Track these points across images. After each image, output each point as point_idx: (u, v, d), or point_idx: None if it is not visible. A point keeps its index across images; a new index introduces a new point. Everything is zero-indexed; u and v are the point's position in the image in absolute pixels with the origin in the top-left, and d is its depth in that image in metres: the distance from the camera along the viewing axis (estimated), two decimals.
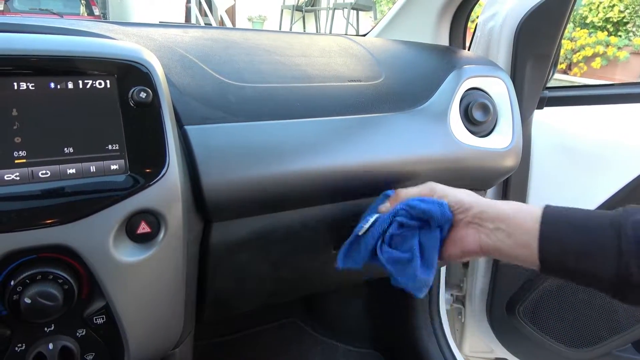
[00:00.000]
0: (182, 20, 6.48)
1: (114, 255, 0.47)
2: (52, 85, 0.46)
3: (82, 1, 9.26)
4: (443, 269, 1.16)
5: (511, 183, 1.01)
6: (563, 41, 3.26)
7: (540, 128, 1.04)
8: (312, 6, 8.46)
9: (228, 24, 5.99)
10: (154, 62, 0.52)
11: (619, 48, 3.27)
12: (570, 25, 3.69)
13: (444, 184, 0.78)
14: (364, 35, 1.15)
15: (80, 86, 0.47)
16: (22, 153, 0.44)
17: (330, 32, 7.30)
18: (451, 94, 0.78)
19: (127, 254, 0.48)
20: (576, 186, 1.03)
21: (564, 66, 3.67)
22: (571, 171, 1.02)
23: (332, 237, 0.74)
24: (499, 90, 0.83)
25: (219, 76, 0.68)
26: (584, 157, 1.02)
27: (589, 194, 1.01)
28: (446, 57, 0.88)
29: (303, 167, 0.64)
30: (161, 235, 0.50)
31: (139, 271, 0.49)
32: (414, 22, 1.02)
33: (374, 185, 0.71)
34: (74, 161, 0.46)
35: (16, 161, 0.44)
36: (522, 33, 0.91)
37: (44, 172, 0.45)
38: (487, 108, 0.78)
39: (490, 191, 1.01)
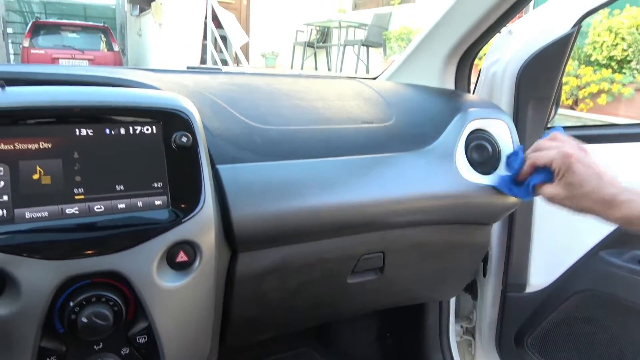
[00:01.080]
0: (198, 56, 6.71)
1: (157, 281, 0.53)
2: (108, 131, 0.54)
3: (102, 38, 9.63)
4: (452, 301, 1.20)
5: (516, 218, 1.06)
6: (569, 78, 3.34)
7: None
8: (323, 43, 8.72)
9: (242, 59, 6.20)
10: (192, 110, 0.59)
11: (624, 85, 3.34)
12: (575, 63, 3.78)
13: (452, 219, 0.84)
14: (375, 77, 1.23)
15: (131, 132, 0.55)
16: (81, 190, 0.51)
17: (341, 68, 7.50)
18: (457, 135, 0.84)
19: (167, 280, 0.54)
20: (579, 220, 1.07)
21: (570, 102, 3.74)
22: None
23: (346, 267, 0.79)
24: (502, 131, 0.89)
25: (246, 119, 0.75)
26: None
27: (592, 227, 1.06)
28: (452, 101, 0.95)
29: (321, 203, 0.70)
30: (197, 263, 0.56)
31: (177, 295, 0.55)
32: (423, 67, 1.10)
33: (385, 219, 0.77)
34: (124, 197, 0.53)
35: (76, 197, 0.51)
36: (523, 78, 0.98)
37: (98, 206, 0.51)
38: (485, 148, 0.84)
39: (495, 225, 1.06)
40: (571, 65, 3.74)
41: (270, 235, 0.67)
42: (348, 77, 1.08)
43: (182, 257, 0.55)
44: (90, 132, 0.53)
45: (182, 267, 0.55)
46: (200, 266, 0.56)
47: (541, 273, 1.08)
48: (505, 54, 1.01)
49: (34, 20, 9.74)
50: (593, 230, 1.07)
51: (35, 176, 0.50)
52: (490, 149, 0.86)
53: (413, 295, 0.96)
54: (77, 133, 0.52)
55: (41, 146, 0.50)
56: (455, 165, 0.82)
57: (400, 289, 0.90)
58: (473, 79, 1.13)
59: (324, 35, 8.87)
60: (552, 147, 0.72)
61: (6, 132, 0.49)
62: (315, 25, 8.71)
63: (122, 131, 0.54)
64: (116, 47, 9.53)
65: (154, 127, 0.56)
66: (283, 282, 0.74)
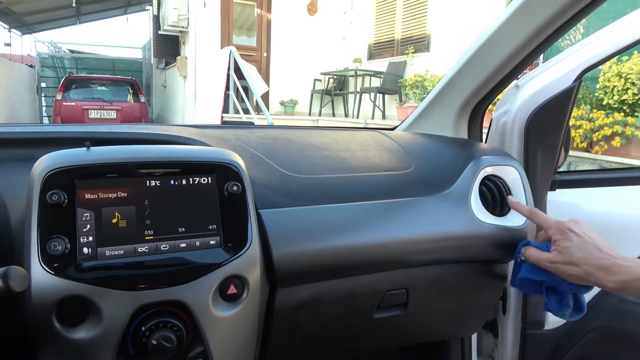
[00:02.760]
0: (221, 105, 7.00)
1: (212, 310, 0.61)
2: (172, 182, 0.64)
3: (130, 90, 10.10)
4: (475, 339, 1.24)
5: None
6: (582, 122, 3.40)
7: (557, 207, 1.16)
8: (340, 90, 9.00)
9: (263, 107, 6.43)
10: (240, 162, 0.69)
11: (637, 127, 3.40)
12: (587, 107, 3.87)
13: (468, 257, 0.91)
14: (394, 128, 1.33)
15: (191, 182, 0.64)
16: (151, 232, 0.61)
17: (358, 114, 7.70)
18: (471, 180, 0.93)
19: (220, 309, 0.62)
20: None
21: (585, 145, 3.80)
22: None
23: (373, 302, 0.86)
24: (513, 176, 0.97)
25: (282, 169, 0.85)
26: (598, 233, 1.13)
27: None
28: (466, 149, 1.04)
29: (350, 242, 0.78)
30: (244, 295, 0.64)
31: (228, 324, 0.63)
32: (438, 118, 1.20)
33: (408, 258, 0.84)
34: (185, 237, 0.62)
35: (146, 238, 0.60)
36: (531, 127, 1.07)
37: (164, 246, 0.61)
38: (497, 192, 0.93)
39: (512, 263, 1.11)
40: (584, 110, 3.82)
41: (305, 272, 0.75)
42: (369, 129, 1.18)
43: (232, 289, 0.63)
44: (158, 183, 0.63)
45: (232, 299, 0.63)
46: (247, 298, 0.64)
47: None
48: (514, 106, 1.10)
49: (66, 75, 10.30)
50: None
51: (114, 220, 0.59)
52: (502, 192, 0.93)
53: (435, 331, 1.01)
54: (148, 184, 0.62)
55: (119, 195, 0.60)
56: (470, 207, 0.89)
57: (423, 324, 0.96)
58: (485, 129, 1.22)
59: (341, 83, 9.17)
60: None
61: (92, 184, 0.59)
62: (332, 74, 9.03)
63: (184, 182, 0.64)
64: (142, 99, 9.99)
65: (209, 178, 0.66)
66: (316, 316, 0.81)
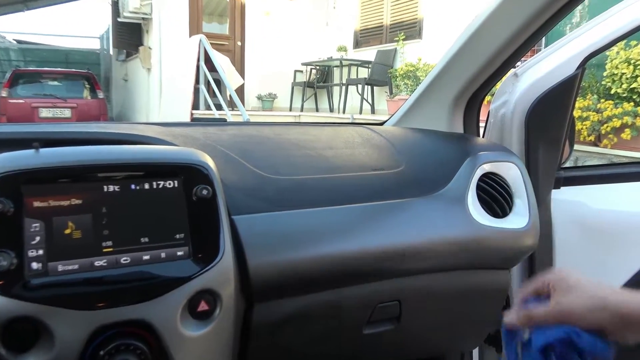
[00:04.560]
0: (190, 101, 6.96)
1: (180, 330, 0.61)
2: (133, 186, 0.63)
3: (86, 85, 9.98)
4: (476, 354, 1.25)
5: (536, 261, 1.13)
6: (589, 113, 3.46)
7: (562, 207, 1.18)
8: (324, 83, 9.02)
9: (237, 102, 6.41)
10: (210, 163, 0.69)
11: None
12: (594, 97, 3.94)
13: (467, 264, 0.91)
14: (382, 123, 1.34)
15: (154, 186, 0.64)
16: (109, 243, 0.60)
17: (345, 109, 7.73)
18: (468, 179, 0.94)
19: (189, 328, 0.62)
20: (604, 261, 1.15)
21: (593, 138, 3.86)
22: (595, 249, 1.14)
23: (362, 317, 0.86)
24: (513, 174, 0.99)
25: (258, 170, 0.85)
26: (608, 234, 1.15)
27: (619, 268, 1.12)
28: (461, 144, 1.05)
29: (335, 250, 0.78)
30: (217, 312, 0.64)
31: (199, 344, 0.62)
32: (430, 111, 1.21)
33: (399, 266, 0.85)
34: (149, 249, 0.62)
35: (104, 250, 0.60)
36: (532, 119, 1.09)
37: (125, 258, 0.60)
38: (497, 192, 0.94)
39: (515, 269, 1.13)
40: (590, 100, 3.89)
41: (285, 284, 0.75)
42: (355, 124, 1.19)
43: (203, 306, 0.63)
44: (117, 188, 0.62)
45: (203, 317, 0.63)
46: (220, 315, 0.64)
47: None
48: (513, 96, 1.12)
49: (13, 69, 10.13)
50: (620, 271, 1.13)
51: (67, 231, 0.59)
52: (501, 191, 0.95)
53: (432, 346, 1.02)
54: (105, 189, 0.62)
55: (72, 202, 0.60)
56: (467, 209, 0.90)
57: (418, 339, 0.97)
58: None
59: (325, 74, 9.19)
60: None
61: (42, 190, 0.59)
62: (314, 64, 9.04)
63: (147, 186, 0.64)
64: (101, 95, 9.86)
65: (175, 182, 0.65)
66: (298, 334, 0.81)
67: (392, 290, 0.87)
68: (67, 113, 9.30)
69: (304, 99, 8.96)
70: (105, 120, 9.40)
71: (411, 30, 7.87)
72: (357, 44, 9.17)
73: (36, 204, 0.58)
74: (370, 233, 0.82)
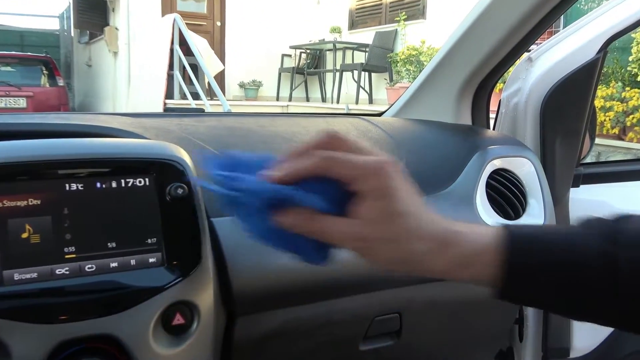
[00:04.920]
0: (163, 89, 6.95)
1: (153, 346, 0.61)
2: (99, 184, 0.63)
3: (44, 71, 9.93)
4: None
5: None
6: (613, 103, 3.50)
7: (581, 207, 1.19)
8: (315, 68, 9.04)
9: (217, 90, 6.41)
10: (187, 159, 0.69)
11: None
12: (618, 85, 3.98)
13: None
14: (381, 114, 1.35)
15: (123, 185, 0.64)
16: (72, 249, 0.60)
17: (339, 98, 7.74)
18: (476, 176, 0.95)
19: (164, 345, 0.62)
20: None
21: (617, 130, 3.91)
22: None
23: (357, 331, 0.87)
24: (527, 170, 1.00)
25: None
26: None
27: None
28: (469, 138, 1.06)
29: None
30: (194, 326, 0.64)
31: None
32: (434, 100, 1.22)
33: (397, 274, 0.85)
34: (116, 255, 0.62)
35: (66, 256, 0.60)
36: (548, 109, 1.10)
37: (90, 266, 0.60)
38: (509, 190, 0.95)
39: None
40: (614, 88, 3.93)
41: (271, 295, 0.76)
42: (351, 115, 1.20)
43: (178, 319, 0.63)
44: (80, 186, 0.62)
45: (178, 331, 0.63)
46: (197, 330, 0.64)
47: (586, 334, 1.16)
48: (527, 84, 1.13)
49: None
50: None
51: (24, 235, 0.59)
52: (514, 190, 0.96)
53: None
54: (67, 188, 0.62)
55: (30, 203, 0.60)
56: (475, 209, 0.91)
57: (421, 357, 0.98)
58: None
59: (316, 59, 9.21)
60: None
61: None
62: (304, 47, 9.06)
63: (114, 184, 0.64)
64: (61, 82, 9.82)
65: (146, 179, 0.65)
66: (286, 350, 0.82)
67: (391, 301, 0.88)
68: (22, 103, 9.26)
69: (293, 87, 8.97)
70: (66, 110, 9.35)
71: (413, 9, 7.92)
72: (353, 25, 9.20)
73: None
74: None
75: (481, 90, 1.19)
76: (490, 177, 0.97)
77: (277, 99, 8.94)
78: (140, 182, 0.65)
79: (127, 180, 0.65)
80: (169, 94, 7.20)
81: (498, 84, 1.22)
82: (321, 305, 0.82)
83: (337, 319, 0.84)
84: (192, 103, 6.88)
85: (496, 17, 1.03)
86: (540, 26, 1.05)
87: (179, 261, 0.64)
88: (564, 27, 1.22)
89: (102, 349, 0.59)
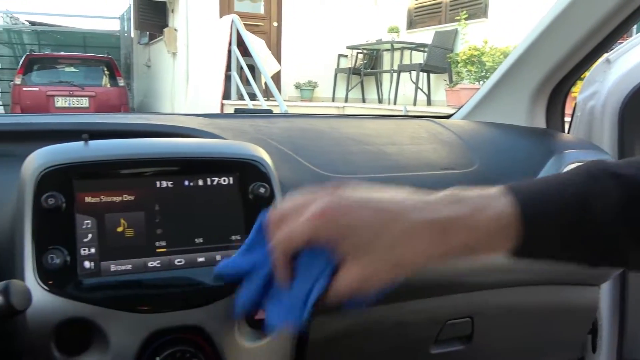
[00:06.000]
0: (221, 89, 7.10)
1: (238, 340, 0.64)
2: (186, 182, 0.67)
3: (105, 71, 10.32)
4: None
5: (629, 276, 1.12)
6: None
7: None
8: (372, 69, 9.03)
9: (274, 91, 6.49)
10: (267, 159, 0.73)
11: None
12: None
13: (549, 278, 0.92)
14: (449, 116, 1.35)
15: (208, 183, 0.68)
16: (163, 243, 0.64)
17: (395, 99, 7.71)
18: None
19: (247, 338, 0.66)
20: None
21: None
22: None
23: (428, 334, 0.88)
24: None
25: (315, 168, 0.88)
26: None
27: None
28: (544, 142, 1.06)
29: None
30: None
31: (256, 356, 0.66)
32: (507, 103, 1.22)
33: (472, 278, 0.86)
34: (203, 250, 0.66)
35: (157, 250, 0.64)
36: (627, 113, 1.08)
37: (179, 260, 0.64)
38: None
39: (605, 286, 1.12)
40: None
41: None
42: (419, 117, 1.21)
43: (261, 314, 0.66)
44: (170, 184, 0.67)
45: (261, 326, 0.67)
46: None
47: None
48: (604, 87, 1.12)
49: (27, 53, 10.56)
50: None
51: (120, 229, 0.63)
52: None
53: None
54: (158, 185, 0.66)
55: (124, 199, 0.64)
56: None
57: None
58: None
59: (373, 59, 9.20)
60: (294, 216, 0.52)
61: (93, 185, 0.64)
62: (361, 48, 9.07)
63: (200, 182, 0.68)
64: (121, 82, 10.17)
65: (230, 178, 0.69)
66: (358, 350, 0.84)
67: (463, 305, 0.89)
68: (84, 102, 9.64)
69: (349, 88, 8.99)
70: (126, 110, 9.69)
71: (475, 7, 7.79)
72: (411, 24, 9.14)
73: (88, 199, 0.63)
74: None
75: (557, 93, 1.18)
76: None
77: (333, 100, 8.97)
78: (224, 180, 0.69)
79: (213, 178, 0.68)
80: (226, 95, 7.34)
81: (574, 87, 1.21)
82: (393, 307, 0.84)
83: (409, 321, 0.85)
84: (249, 104, 7.00)
85: (576, 17, 1.02)
86: (621, 27, 1.03)
87: None
88: (638, 31, 1.19)
89: (191, 340, 0.63)
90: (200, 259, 0.65)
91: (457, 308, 0.88)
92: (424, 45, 8.04)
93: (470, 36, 7.24)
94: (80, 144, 0.66)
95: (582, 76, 1.17)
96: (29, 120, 0.86)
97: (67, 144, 0.66)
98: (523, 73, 1.17)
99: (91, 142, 0.67)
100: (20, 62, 9.97)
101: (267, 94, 7.51)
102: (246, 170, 0.70)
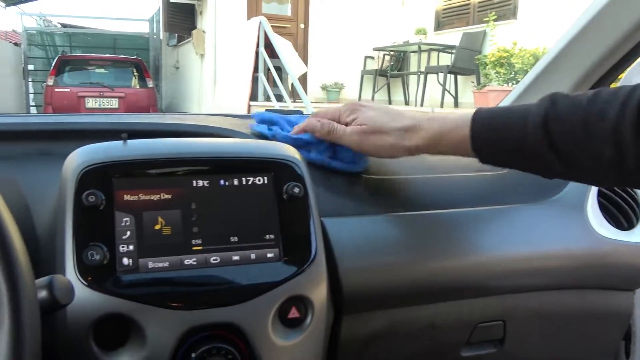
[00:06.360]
0: (248, 90, 7.16)
1: (272, 337, 0.65)
2: (222, 182, 0.68)
3: (134, 73, 10.48)
4: None
5: None
6: None
7: None
8: (398, 71, 9.01)
9: (301, 92, 6.53)
10: (301, 159, 0.73)
11: None
12: None
13: (583, 282, 0.91)
14: None
15: (244, 182, 0.69)
16: (199, 241, 0.65)
17: (422, 101, 7.67)
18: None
19: (281, 337, 0.66)
20: None
21: None
22: None
23: (460, 337, 0.88)
24: None
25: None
26: None
27: None
28: None
29: (433, 260, 0.80)
30: (308, 320, 0.68)
31: (290, 354, 0.67)
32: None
33: (504, 281, 0.86)
34: (238, 249, 0.66)
35: (193, 248, 0.65)
36: None
37: (214, 258, 0.65)
38: (623, 198, 0.92)
39: None
40: None
41: (376, 295, 0.78)
42: None
43: (294, 313, 0.67)
44: (206, 183, 0.68)
45: (294, 324, 0.67)
46: (311, 324, 0.68)
47: None
48: None
49: (59, 55, 10.79)
50: None
51: (157, 227, 0.65)
52: (628, 198, 0.93)
53: None
54: (194, 184, 0.67)
55: (162, 197, 0.66)
56: (586, 218, 0.90)
57: None
58: None
59: (400, 61, 9.17)
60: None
61: (132, 183, 0.65)
62: (388, 49, 9.05)
63: (236, 182, 0.69)
64: (150, 83, 10.33)
65: (265, 178, 0.70)
66: (389, 352, 0.84)
67: (495, 308, 0.88)
68: (114, 103, 9.81)
69: (375, 90, 8.98)
70: (154, 112, 9.82)
71: (504, 8, 7.71)
72: (439, 26, 9.09)
73: (127, 197, 0.64)
74: (472, 242, 0.84)
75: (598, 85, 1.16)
76: None
77: (359, 101, 8.97)
78: (259, 180, 0.70)
79: (248, 178, 0.69)
80: (253, 96, 7.40)
81: (612, 85, 1.19)
82: (425, 309, 0.83)
83: (441, 323, 0.85)
84: (275, 105, 7.04)
85: (613, 18, 1.01)
86: None
87: (294, 257, 0.68)
88: None
89: (226, 337, 0.64)
90: (235, 258, 0.66)
91: (489, 311, 0.87)
92: (452, 47, 7.99)
93: (499, 38, 7.17)
94: (119, 143, 0.68)
95: (618, 77, 1.15)
96: (68, 120, 0.88)
97: (107, 142, 0.68)
98: (557, 75, 1.15)
99: (130, 141, 0.68)
100: (53, 64, 10.20)
101: (294, 95, 7.55)
102: (281, 170, 0.71)
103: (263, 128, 0.88)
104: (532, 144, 0.66)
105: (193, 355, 0.62)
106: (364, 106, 0.81)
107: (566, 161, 0.66)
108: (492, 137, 0.71)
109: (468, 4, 8.47)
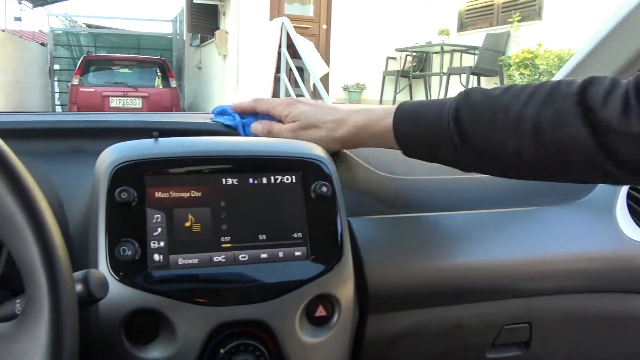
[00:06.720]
0: (270, 91, 7.19)
1: (299, 335, 0.66)
2: (251, 180, 0.69)
3: (158, 73, 10.58)
4: None
5: None
6: None
7: None
8: (420, 71, 8.97)
9: (322, 93, 6.54)
10: (329, 159, 0.74)
11: None
12: None
13: (612, 286, 0.90)
14: None
15: (272, 181, 0.70)
16: (227, 239, 0.66)
17: None
18: (616, 185, 0.92)
19: (308, 334, 0.67)
20: None
21: None
22: None
23: (485, 339, 0.87)
24: None
25: (372, 168, 0.89)
26: None
27: None
28: None
29: (459, 261, 0.80)
30: (335, 319, 0.68)
31: (317, 352, 0.67)
32: None
33: (531, 284, 0.85)
34: (267, 247, 0.67)
35: (222, 245, 0.66)
36: None
37: (243, 255, 0.66)
38: None
39: None
40: None
41: (401, 295, 0.79)
42: None
43: (321, 311, 0.68)
44: (235, 181, 0.68)
45: (321, 323, 0.68)
46: (338, 323, 0.68)
47: None
48: None
49: (84, 55, 10.95)
50: None
51: (187, 224, 0.66)
52: None
53: None
54: (224, 182, 0.68)
55: (192, 195, 0.67)
56: (615, 221, 0.89)
57: None
58: None
59: (422, 62, 9.14)
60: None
61: (163, 181, 0.66)
62: (410, 50, 9.01)
63: (264, 181, 0.69)
64: (173, 83, 10.42)
65: (293, 177, 0.71)
66: (413, 352, 0.84)
67: (521, 311, 0.87)
68: (137, 103, 9.92)
69: (397, 91, 8.95)
70: (177, 111, 9.90)
71: (529, 9, 7.64)
72: (462, 27, 9.03)
73: (158, 194, 0.65)
74: (499, 244, 0.84)
75: None
76: (632, 187, 0.94)
77: (381, 102, 8.96)
78: (287, 179, 0.70)
79: (277, 177, 0.70)
80: (275, 96, 7.42)
81: None
82: (451, 310, 0.83)
83: (466, 325, 0.85)
84: None
85: None
86: None
87: (322, 255, 0.68)
88: None
89: (253, 334, 0.65)
90: (264, 255, 0.67)
91: (515, 313, 0.87)
92: (475, 48, 7.93)
93: (523, 39, 7.10)
94: (150, 141, 0.69)
95: None
96: (99, 119, 0.90)
97: (139, 140, 0.69)
98: (591, 69, 1.14)
99: (161, 139, 0.70)
100: (78, 64, 10.35)
101: (315, 95, 7.55)
102: (309, 170, 0.71)
103: (225, 119, 0.93)
104: (445, 133, 0.70)
105: (222, 351, 0.63)
106: (299, 102, 0.86)
107: (474, 150, 0.69)
108: (411, 129, 0.75)
109: (492, 5, 8.40)
